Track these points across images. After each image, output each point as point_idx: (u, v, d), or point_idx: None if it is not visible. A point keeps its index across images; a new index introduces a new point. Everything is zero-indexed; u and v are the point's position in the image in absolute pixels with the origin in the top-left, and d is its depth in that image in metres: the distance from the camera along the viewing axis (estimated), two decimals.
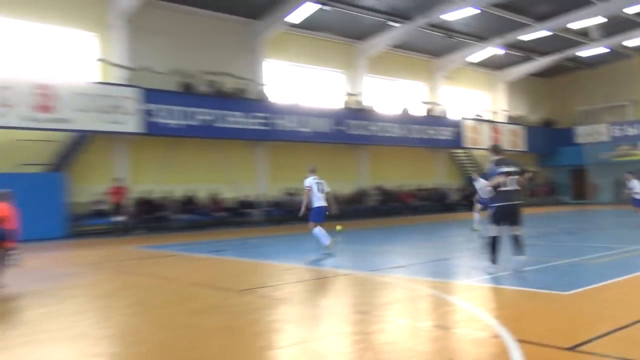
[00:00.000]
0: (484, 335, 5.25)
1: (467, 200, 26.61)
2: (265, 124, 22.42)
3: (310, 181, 11.81)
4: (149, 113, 19.36)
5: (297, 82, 25.76)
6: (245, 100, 22.47)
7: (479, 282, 8.00)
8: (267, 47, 24.38)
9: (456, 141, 29.45)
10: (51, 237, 16.60)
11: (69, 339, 5.55)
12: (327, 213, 11.73)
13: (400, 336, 5.51)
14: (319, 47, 26.56)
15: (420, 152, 29.07)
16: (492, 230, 8.51)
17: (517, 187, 8.41)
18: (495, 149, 8.88)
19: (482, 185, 14.47)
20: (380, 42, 27.30)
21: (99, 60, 20.11)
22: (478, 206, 16.23)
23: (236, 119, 21.61)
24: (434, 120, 28.77)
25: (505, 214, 8.34)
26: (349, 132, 25.04)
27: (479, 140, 30.29)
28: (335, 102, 26.22)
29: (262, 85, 23.92)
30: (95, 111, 18.20)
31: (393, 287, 7.93)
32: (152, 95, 19.52)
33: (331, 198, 11.97)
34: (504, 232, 8.47)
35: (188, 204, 21.12)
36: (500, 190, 8.35)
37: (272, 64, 24.87)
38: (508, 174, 8.33)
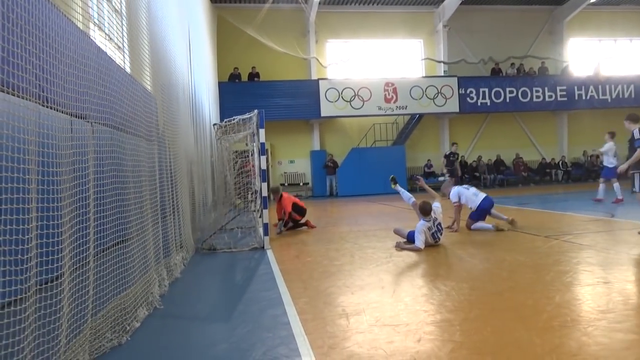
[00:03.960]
0: None
1: None
2: (566, 96, 19.96)
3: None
4: (463, 96, 19.19)
5: (599, 55, 22.08)
6: (546, 76, 20.36)
7: None
8: (568, 27, 21.47)
9: None
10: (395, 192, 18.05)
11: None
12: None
13: None
14: (619, 18, 22.18)
15: None
16: None
17: None
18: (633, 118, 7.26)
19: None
20: None
21: (425, 59, 20.67)
22: None
23: (538, 94, 19.83)
24: None
25: None
26: None
27: None
28: (633, 69, 21.65)
29: (564, 62, 21.24)
30: (424, 98, 18.91)
31: None
32: (466, 81, 19.34)
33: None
34: None
35: (498, 166, 20.36)
36: None
37: (573, 42, 21.84)
38: None
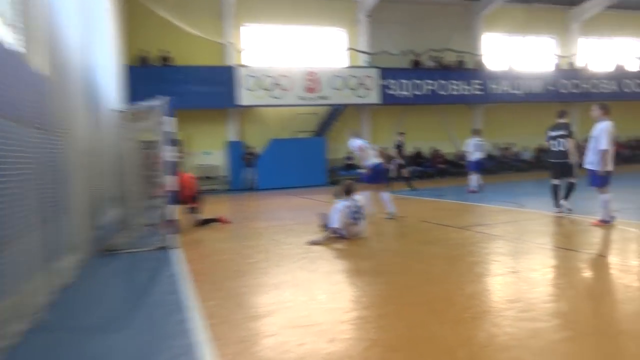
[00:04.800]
0: None
1: None
2: (481, 89, 21.19)
3: None
4: (385, 87, 19.70)
5: (511, 51, 23.65)
6: (464, 70, 21.46)
7: None
8: (484, 22, 22.76)
9: None
10: (316, 185, 18.14)
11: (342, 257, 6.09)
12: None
13: (613, 273, 4.90)
14: (531, 16, 23.89)
15: (635, 105, 24.64)
16: None
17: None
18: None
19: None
20: (594, 5, 23.50)
21: (348, 49, 20.94)
22: None
23: (456, 87, 20.86)
24: None
25: None
26: (560, 91, 22.34)
27: None
28: (547, 65, 23.48)
29: (479, 56, 22.49)
30: (346, 89, 19.16)
31: (603, 229, 7.01)
32: (387, 73, 19.83)
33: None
34: None
35: (415, 158, 21.16)
36: None
37: (488, 37, 23.19)
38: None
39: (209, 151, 18.87)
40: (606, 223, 7.12)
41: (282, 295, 4.46)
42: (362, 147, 9.21)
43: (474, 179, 13.52)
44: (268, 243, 7.11)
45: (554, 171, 8.83)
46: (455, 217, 9.11)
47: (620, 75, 23.46)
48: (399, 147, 15.54)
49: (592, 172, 7.27)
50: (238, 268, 5.64)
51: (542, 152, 22.13)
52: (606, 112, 7.26)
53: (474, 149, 13.86)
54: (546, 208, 9.16)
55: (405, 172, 15.03)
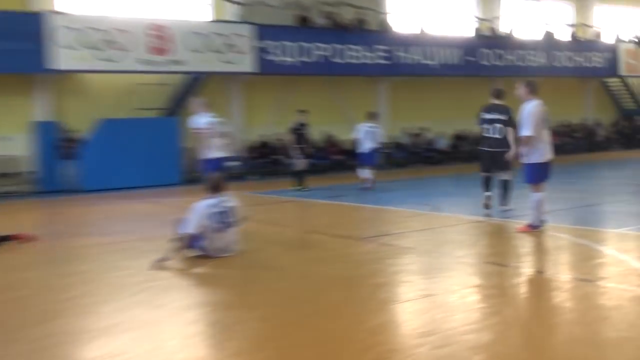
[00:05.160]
0: None
1: (623, 137, 24.88)
2: (387, 58, 22.04)
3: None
4: (263, 51, 19.67)
5: (422, 8, 24.89)
6: (365, 32, 22.14)
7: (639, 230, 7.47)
8: None
9: (610, 69, 27.31)
10: (167, 184, 17.58)
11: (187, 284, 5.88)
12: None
13: (543, 291, 5.27)
14: None
15: (565, 83, 27.32)
16: None
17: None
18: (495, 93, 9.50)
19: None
20: None
21: None
22: None
23: (355, 54, 21.44)
24: (583, 45, 26.77)
25: None
26: (481, 62, 24.02)
27: (639, 67, 27.90)
28: (466, 29, 25.12)
29: (385, 14, 23.37)
30: (209, 51, 18.79)
31: (533, 236, 7.58)
32: (266, 31, 19.76)
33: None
34: None
35: (262, 148, 21.43)
36: None
37: None
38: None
39: (5, 136, 17.38)
40: (535, 229, 7.70)
41: (114, 345, 4.22)
42: (208, 128, 8.93)
43: (367, 174, 14.17)
44: (95, 269, 6.74)
45: (485, 162, 9.38)
46: (355, 225, 9.30)
47: (549, 46, 25.77)
48: (298, 131, 15.20)
49: (525, 166, 7.83)
50: (47, 307, 5.25)
51: (461, 139, 23.64)
52: (533, 91, 7.86)
53: (364, 136, 14.43)
54: (466, 211, 9.70)
55: (301, 163, 14.82)
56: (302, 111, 15.55)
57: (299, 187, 14.37)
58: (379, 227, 9.09)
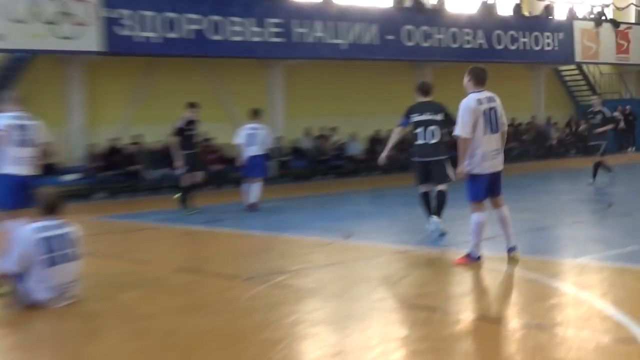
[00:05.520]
0: (611, 339, 5.08)
1: (580, 140, 26.19)
2: (282, 34, 22.06)
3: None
4: (113, 22, 19.23)
5: None
6: (253, 0, 22.10)
7: (602, 260, 7.82)
8: None
9: (564, 53, 28.63)
10: None
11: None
12: None
13: (486, 343, 5.38)
14: None
15: (509, 71, 28.41)
16: None
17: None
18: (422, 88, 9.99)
19: None
20: None
21: None
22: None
23: (239, 28, 21.31)
24: (530, 22, 27.95)
25: None
26: (404, 43, 24.51)
27: (598, 51, 29.46)
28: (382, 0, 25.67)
29: None
30: (36, 21, 18.19)
31: (471, 270, 7.77)
32: None
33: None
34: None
35: (167, 154, 21.02)
36: None
37: None
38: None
39: None
40: (474, 260, 7.90)
41: None
42: (2, 131, 8.37)
43: (253, 190, 14.16)
44: None
45: (420, 174, 9.69)
46: (239, 259, 9.24)
47: (488, 23, 26.64)
48: (187, 132, 14.59)
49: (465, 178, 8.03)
50: None
51: (379, 143, 23.92)
52: (479, 81, 8.08)
53: (247, 141, 14.46)
54: (388, 238, 9.83)
55: (189, 178, 14.22)
56: (192, 105, 14.95)
57: (183, 208, 13.97)
58: (272, 262, 9.03)
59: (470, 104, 7.85)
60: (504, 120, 8.07)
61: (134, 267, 8.83)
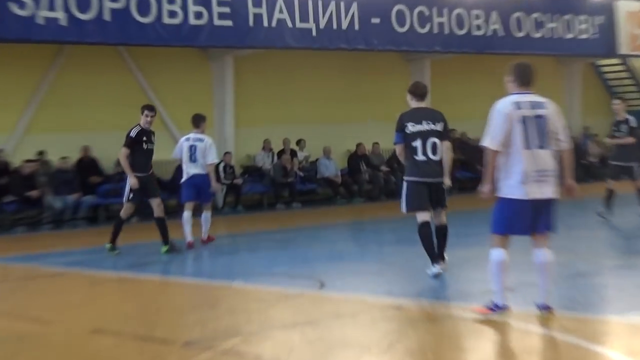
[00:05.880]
0: None
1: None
2: (230, 16, 22.09)
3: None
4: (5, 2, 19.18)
5: None
6: None
7: None
8: None
9: (605, 44, 28.84)
10: None
11: None
12: None
13: None
14: None
15: (535, 68, 28.60)
16: None
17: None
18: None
19: None
20: None
21: None
22: None
23: (171, 7, 21.32)
24: (561, 3, 28.13)
25: None
26: (394, 29, 24.66)
27: None
28: None
29: None
30: None
31: (489, 328, 7.79)
32: None
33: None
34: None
35: (88, 171, 21.01)
36: None
37: None
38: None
39: None
40: (496, 310, 7.89)
41: None
42: None
43: (204, 221, 14.27)
44: None
45: (420, 198, 9.90)
46: (176, 317, 9.22)
47: (504, 3, 26.89)
48: (134, 143, 14.28)
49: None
50: None
51: (358, 158, 24.01)
52: (523, 81, 8.17)
53: (186, 157, 14.49)
54: (375, 287, 9.81)
55: (130, 207, 14.34)
56: (147, 108, 14.85)
57: (110, 246, 13.79)
58: (219, 320, 8.98)
59: (503, 108, 7.85)
60: (559, 133, 7.99)
61: (32, 328, 8.78)
